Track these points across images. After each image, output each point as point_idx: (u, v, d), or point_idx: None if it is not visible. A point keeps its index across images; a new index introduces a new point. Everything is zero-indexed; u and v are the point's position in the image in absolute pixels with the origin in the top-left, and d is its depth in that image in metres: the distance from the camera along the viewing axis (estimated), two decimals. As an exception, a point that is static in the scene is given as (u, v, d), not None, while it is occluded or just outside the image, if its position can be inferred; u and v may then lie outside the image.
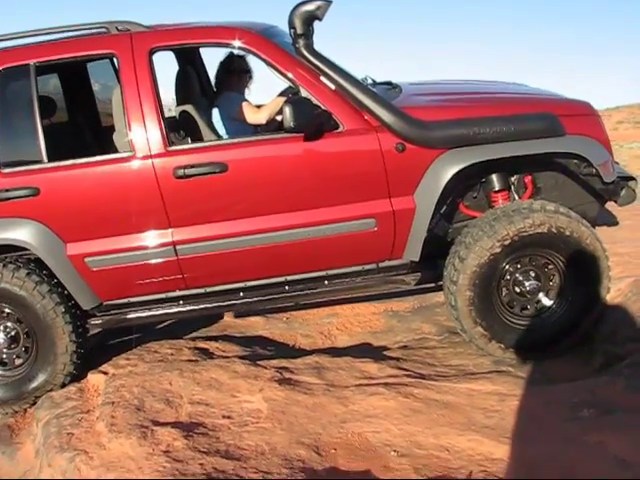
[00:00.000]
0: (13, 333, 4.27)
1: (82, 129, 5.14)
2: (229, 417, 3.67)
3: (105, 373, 4.34)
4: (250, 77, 4.86)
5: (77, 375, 4.33)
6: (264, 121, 4.48)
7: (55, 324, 4.13)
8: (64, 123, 5.19)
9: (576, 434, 3.15)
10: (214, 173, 3.92)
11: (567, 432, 3.19)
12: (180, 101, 4.79)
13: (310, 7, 3.85)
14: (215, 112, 4.62)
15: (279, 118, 4.46)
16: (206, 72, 5.50)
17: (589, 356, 4.19)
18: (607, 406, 3.38)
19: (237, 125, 4.49)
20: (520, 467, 3.01)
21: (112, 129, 4.40)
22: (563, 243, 3.96)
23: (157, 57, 4.08)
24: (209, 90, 5.26)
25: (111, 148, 4.38)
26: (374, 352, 4.56)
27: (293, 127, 3.75)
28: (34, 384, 4.25)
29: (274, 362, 4.25)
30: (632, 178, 4.30)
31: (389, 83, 4.75)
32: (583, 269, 4.04)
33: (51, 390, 4.24)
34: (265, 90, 5.19)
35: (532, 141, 3.99)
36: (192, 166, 3.91)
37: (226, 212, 4.04)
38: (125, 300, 4.29)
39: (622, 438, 3.05)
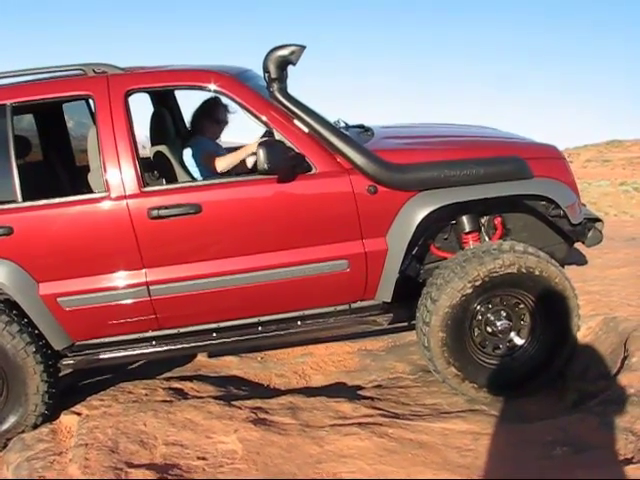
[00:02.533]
0: (-17, 375, 4.21)
1: (57, 169, 5.15)
2: (204, 458, 3.64)
3: (78, 414, 4.28)
4: (225, 125, 4.91)
5: (49, 416, 4.26)
6: (225, 170, 4.51)
7: (26, 364, 4.08)
8: (39, 162, 5.20)
9: (549, 473, 3.19)
10: (188, 214, 3.93)
11: (540, 471, 3.22)
12: (154, 142, 4.82)
13: (284, 52, 3.92)
14: (186, 153, 4.65)
15: (251, 161, 4.52)
16: (180, 113, 5.55)
17: (562, 394, 4.26)
18: (580, 444, 3.42)
19: (207, 171, 4.52)
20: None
21: (87, 168, 4.41)
22: (533, 283, 4.03)
23: (132, 97, 4.13)
24: (183, 131, 5.30)
25: (86, 188, 4.39)
26: (348, 391, 4.57)
27: (267, 169, 3.78)
28: (5, 426, 4.18)
29: (249, 402, 4.23)
30: (598, 220, 4.40)
31: (361, 126, 4.82)
32: (553, 308, 4.10)
33: (22, 432, 4.16)
34: (243, 129, 5.24)
35: (501, 183, 4.08)
36: (166, 207, 3.93)
37: (200, 253, 4.06)
38: (98, 340, 4.25)
39: (595, 476, 3.09)
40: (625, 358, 4.09)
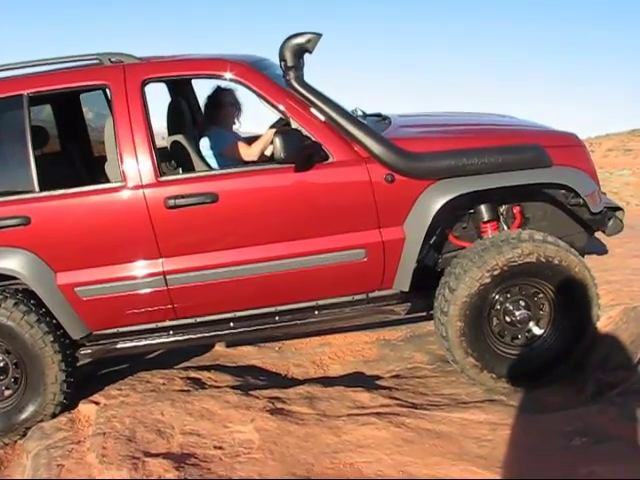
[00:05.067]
0: (1, 364, 4.24)
1: (74, 159, 5.16)
2: (221, 448, 3.64)
3: (96, 403, 4.31)
4: (238, 109, 4.88)
5: (68, 405, 4.29)
6: (256, 157, 4.51)
7: (44, 354, 4.11)
8: (56, 153, 5.23)
9: (568, 464, 3.15)
10: (205, 203, 3.93)
11: (559, 462, 3.19)
12: (171, 131, 4.82)
13: (300, 40, 3.90)
14: (203, 143, 4.64)
15: (269, 150, 4.50)
16: (197, 103, 5.54)
17: (581, 384, 4.20)
18: (599, 435, 3.37)
19: (225, 160, 4.51)
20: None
21: (104, 159, 4.42)
22: (552, 272, 3.99)
23: (150, 87, 4.12)
24: (200, 121, 5.30)
25: (103, 178, 4.40)
26: (366, 381, 4.55)
27: (283, 158, 3.77)
28: (24, 415, 4.21)
29: (266, 392, 4.24)
30: (619, 208, 4.35)
31: (379, 115, 4.80)
32: (573, 298, 4.06)
33: (41, 421, 4.19)
34: (258, 119, 5.22)
35: (520, 172, 4.03)
36: (183, 196, 3.93)
37: (216, 242, 4.05)
38: (115, 330, 4.27)
39: (614, 468, 3.05)
40: (646, 348, 4.04)
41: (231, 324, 4.25)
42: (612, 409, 3.61)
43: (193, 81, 5.48)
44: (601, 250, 5.83)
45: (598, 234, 4.63)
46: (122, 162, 3.98)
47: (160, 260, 4.05)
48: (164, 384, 4.52)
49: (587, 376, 4.23)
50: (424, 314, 4.58)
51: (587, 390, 4.13)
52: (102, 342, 4.29)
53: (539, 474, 3.10)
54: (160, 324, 4.25)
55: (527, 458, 3.29)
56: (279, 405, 4.02)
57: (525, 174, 4.05)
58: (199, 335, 4.26)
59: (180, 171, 4.62)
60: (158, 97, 4.99)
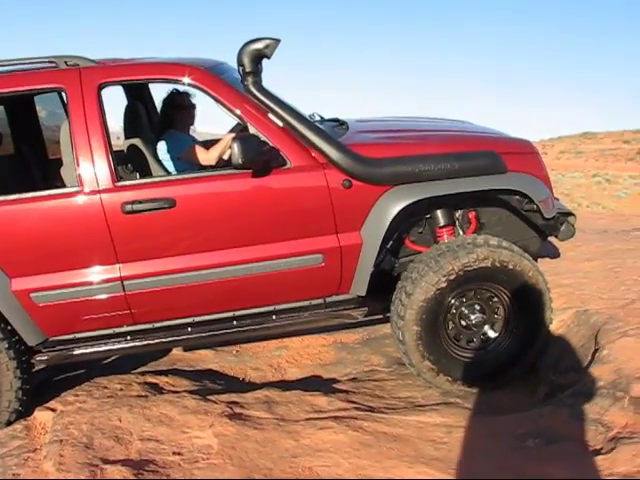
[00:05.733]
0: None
1: (29, 162, 5.08)
2: (179, 453, 3.64)
3: (53, 410, 4.26)
4: (193, 112, 4.86)
5: (23, 412, 4.24)
6: (214, 162, 4.49)
7: (-1, 361, 4.05)
8: (10, 156, 5.14)
9: (522, 464, 3.23)
10: (162, 209, 3.91)
11: (513, 463, 3.26)
12: (128, 135, 4.78)
13: (259, 45, 3.90)
14: (160, 147, 4.62)
15: (227, 155, 4.49)
16: (155, 107, 5.51)
17: (534, 386, 4.31)
18: (551, 436, 3.47)
19: (183, 165, 4.49)
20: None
21: (60, 162, 4.37)
22: (506, 276, 4.07)
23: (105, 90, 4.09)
24: (157, 125, 5.27)
25: (58, 181, 4.35)
26: (324, 385, 4.59)
27: (241, 163, 3.77)
28: (-22, 423, 4.14)
29: (224, 397, 4.24)
30: (571, 214, 4.45)
31: (336, 120, 4.83)
32: (526, 301, 4.15)
33: (-4, 429, 4.14)
34: (217, 122, 5.20)
35: (475, 178, 4.10)
36: (140, 201, 3.90)
37: (174, 248, 4.03)
38: (72, 336, 4.22)
39: (567, 467, 3.15)
40: (596, 351, 4.14)
41: (189, 329, 4.23)
42: (564, 410, 3.71)
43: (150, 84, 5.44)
44: (553, 254, 5.95)
45: (551, 238, 4.72)
46: (78, 167, 3.93)
47: (117, 266, 4.01)
48: (122, 390, 4.49)
49: (540, 378, 4.33)
50: (381, 317, 4.63)
51: (540, 392, 4.23)
52: (59, 348, 4.23)
53: (492, 475, 3.17)
54: (118, 330, 4.22)
55: (481, 460, 3.36)
56: (237, 410, 4.03)
57: (480, 180, 4.12)
58: (157, 340, 4.23)
59: (137, 175, 4.60)
60: (114, 98, 4.95)
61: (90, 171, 3.93)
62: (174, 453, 3.65)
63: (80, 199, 3.94)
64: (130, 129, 4.81)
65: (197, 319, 4.24)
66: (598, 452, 3.26)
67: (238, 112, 4.02)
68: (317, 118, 4.62)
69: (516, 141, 4.47)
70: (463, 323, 4.20)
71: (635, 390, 3.58)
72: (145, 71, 4.25)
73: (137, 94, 5.27)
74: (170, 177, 4.19)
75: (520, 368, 4.26)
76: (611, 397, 3.63)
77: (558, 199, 4.71)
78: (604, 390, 3.73)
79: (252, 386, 4.64)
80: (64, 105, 4.58)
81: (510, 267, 4.04)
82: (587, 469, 3.13)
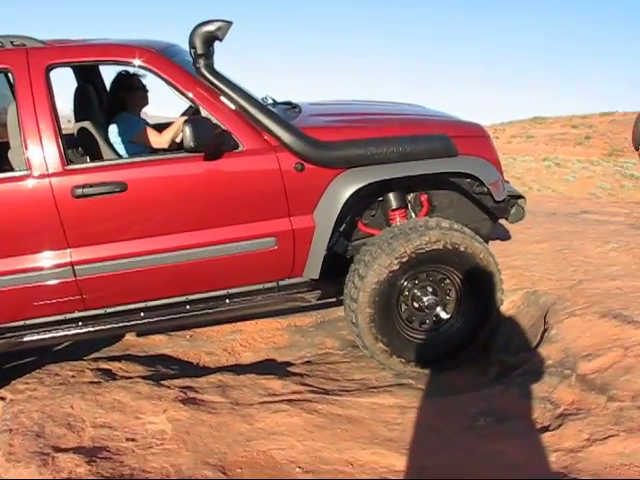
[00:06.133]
0: None
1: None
2: (133, 440, 3.61)
3: (2, 399, 4.17)
4: (145, 94, 4.80)
5: (-29, 402, 4.16)
6: (166, 145, 4.45)
7: (-54, 349, 3.97)
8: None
9: (474, 443, 3.29)
10: (113, 193, 3.86)
11: (465, 441, 3.33)
12: (79, 118, 4.71)
13: (210, 27, 3.86)
14: (111, 129, 4.55)
15: (179, 138, 4.45)
16: (105, 89, 5.41)
17: (485, 366, 4.38)
18: (502, 415, 3.55)
19: (135, 148, 4.44)
20: (421, 478, 3.10)
21: (7, 145, 4.28)
22: (458, 259, 4.12)
23: (55, 72, 4.00)
24: (108, 107, 5.18)
25: (6, 165, 4.26)
26: (278, 368, 4.60)
27: (193, 146, 3.74)
28: None
29: (178, 381, 4.22)
30: (521, 196, 4.53)
31: (289, 103, 4.81)
32: (478, 283, 4.22)
33: (-57, 418, 4.05)
34: (169, 105, 5.13)
35: (427, 161, 4.14)
36: (91, 185, 3.84)
37: (126, 232, 3.98)
38: (21, 322, 4.15)
39: (517, 444, 3.22)
40: (545, 331, 4.23)
41: (142, 314, 4.20)
42: (514, 389, 3.79)
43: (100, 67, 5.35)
44: (504, 236, 6.05)
45: (501, 220, 4.80)
46: (27, 150, 3.85)
47: (68, 250, 3.95)
48: (73, 376, 4.43)
49: (491, 358, 4.42)
50: (334, 300, 4.66)
51: (491, 372, 4.31)
52: (8, 335, 4.15)
53: (445, 454, 3.22)
54: (69, 315, 4.15)
55: (434, 439, 3.41)
56: (191, 394, 4.02)
57: (432, 163, 4.16)
58: (109, 326, 4.18)
59: (88, 159, 4.53)
60: (64, 80, 4.85)
61: (39, 154, 3.85)
62: (128, 439, 3.62)
63: (29, 183, 3.86)
64: (80, 112, 4.74)
65: (150, 304, 4.20)
66: (546, 429, 3.34)
67: (190, 95, 3.97)
68: (270, 101, 4.60)
69: (467, 125, 4.52)
70: (416, 305, 4.24)
71: (582, 368, 3.67)
72: (95, 53, 4.17)
73: (87, 76, 5.17)
74: (121, 161, 4.13)
75: (472, 349, 4.33)
76: (559, 375, 3.71)
77: (508, 182, 4.78)
78: (552, 369, 3.81)
79: (206, 370, 4.62)
80: (11, 87, 4.47)
81: (462, 249, 4.10)
82: (536, 445, 3.20)
